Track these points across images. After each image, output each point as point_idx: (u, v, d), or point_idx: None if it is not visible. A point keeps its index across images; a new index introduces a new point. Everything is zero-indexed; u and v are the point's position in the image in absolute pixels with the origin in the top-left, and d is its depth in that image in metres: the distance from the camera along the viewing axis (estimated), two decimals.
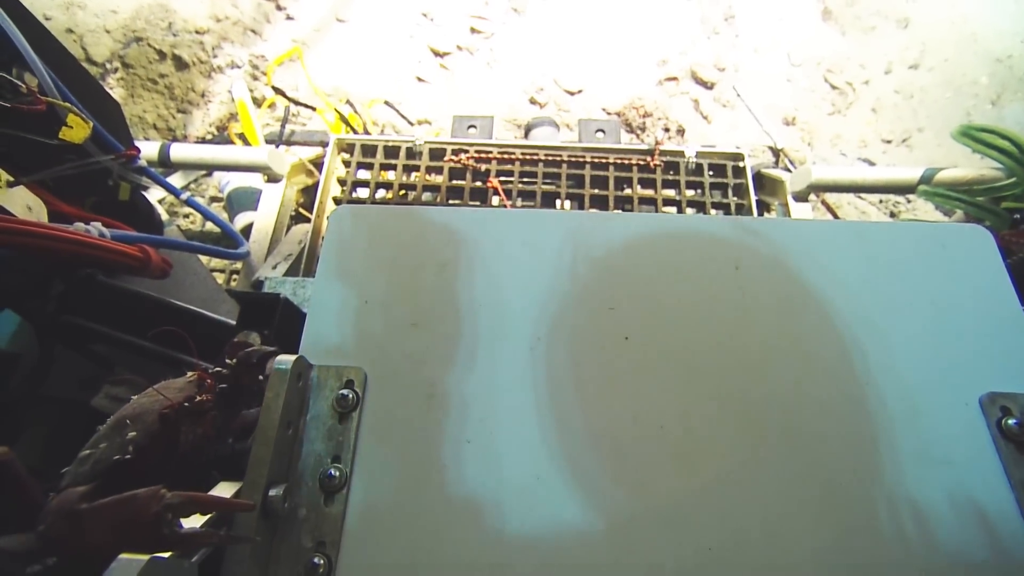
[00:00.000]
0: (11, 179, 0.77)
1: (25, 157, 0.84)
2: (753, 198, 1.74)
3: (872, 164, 2.48)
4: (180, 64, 2.51)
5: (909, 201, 2.34)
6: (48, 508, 0.45)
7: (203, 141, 2.35)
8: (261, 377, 0.63)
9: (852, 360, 0.57)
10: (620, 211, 1.73)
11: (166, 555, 0.38)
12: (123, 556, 0.34)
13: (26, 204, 0.80)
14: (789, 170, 1.98)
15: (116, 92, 2.40)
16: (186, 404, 0.59)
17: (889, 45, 2.77)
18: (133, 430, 0.58)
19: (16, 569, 0.42)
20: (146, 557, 0.34)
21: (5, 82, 0.72)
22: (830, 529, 0.50)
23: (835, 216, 2.16)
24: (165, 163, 1.74)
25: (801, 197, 1.79)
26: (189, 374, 0.64)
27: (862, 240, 0.64)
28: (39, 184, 0.87)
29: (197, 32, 2.60)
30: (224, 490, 0.50)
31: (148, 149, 1.72)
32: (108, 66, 2.51)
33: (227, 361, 0.64)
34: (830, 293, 0.61)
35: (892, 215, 2.33)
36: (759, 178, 1.91)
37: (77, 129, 0.82)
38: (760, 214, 1.79)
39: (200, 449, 0.60)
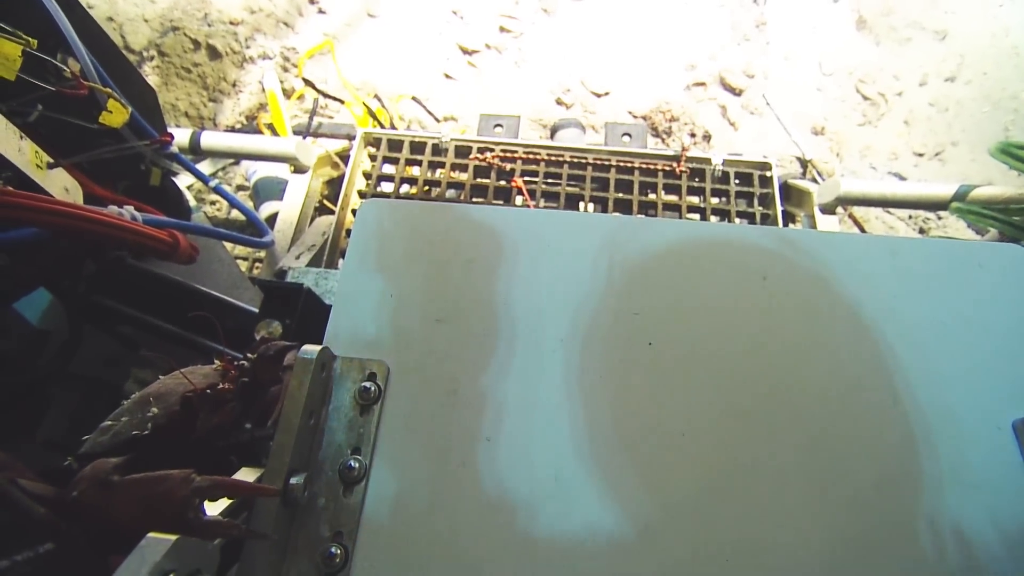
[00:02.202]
0: (51, 161, 0.79)
1: (64, 140, 0.86)
2: (779, 209, 1.72)
3: (903, 178, 2.43)
4: (214, 54, 2.55)
5: (940, 218, 2.29)
6: (82, 475, 0.46)
7: (233, 130, 2.38)
8: (282, 373, 0.64)
9: (880, 376, 0.56)
10: (643, 216, 1.72)
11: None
12: (152, 535, 0.34)
13: (64, 186, 0.82)
14: (817, 181, 1.96)
15: (151, 79, 2.44)
16: (208, 391, 0.60)
17: (925, 57, 2.72)
18: (155, 408, 0.59)
19: (36, 512, 0.43)
20: (174, 537, 0.34)
21: (51, 67, 0.74)
22: (853, 548, 0.49)
23: (862, 230, 2.12)
24: (195, 150, 1.77)
25: (828, 210, 1.77)
26: (216, 363, 0.65)
27: (895, 255, 0.62)
28: (76, 167, 0.90)
29: (231, 23, 2.64)
30: (246, 476, 0.51)
31: (180, 136, 1.75)
32: (145, 54, 2.56)
33: (248, 355, 0.66)
34: (860, 308, 0.60)
35: (921, 231, 2.29)
36: (786, 189, 1.89)
37: (116, 114, 0.84)
38: (785, 225, 1.77)
39: (214, 437, 0.61)
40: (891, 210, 2.30)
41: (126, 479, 0.43)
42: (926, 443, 0.53)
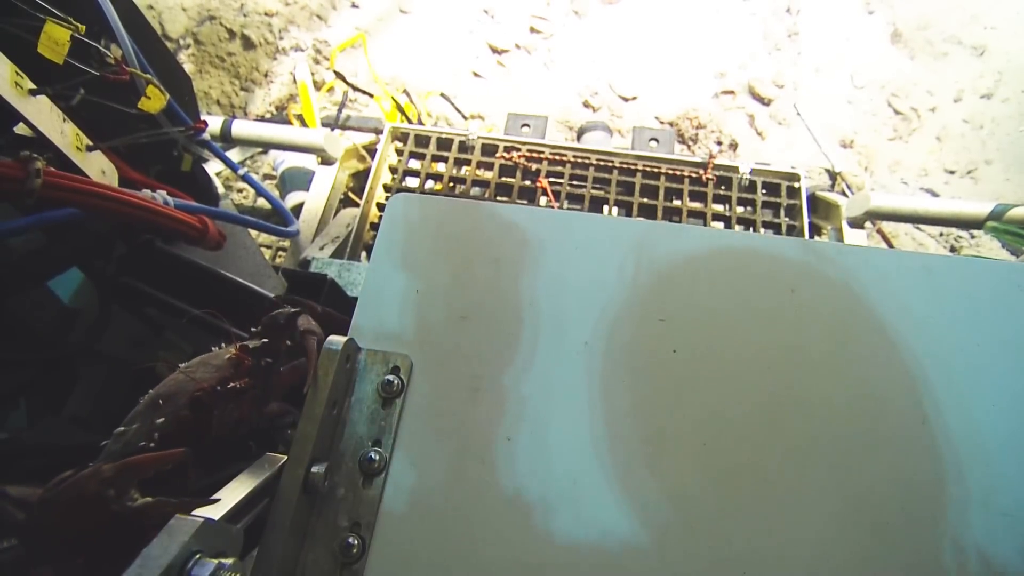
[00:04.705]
0: (90, 144, 0.80)
1: (102, 124, 0.88)
2: (806, 220, 1.70)
3: (934, 194, 2.39)
4: (248, 44, 2.59)
5: (972, 236, 2.24)
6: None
7: (263, 120, 2.41)
8: (289, 342, 0.62)
9: (909, 395, 0.55)
10: (670, 222, 1.71)
11: (216, 518, 0.39)
12: (179, 516, 0.35)
13: (101, 168, 0.84)
14: (846, 194, 1.93)
15: (186, 67, 2.49)
16: (219, 388, 0.57)
17: (961, 72, 2.66)
18: (162, 414, 0.56)
19: (16, 517, 0.42)
20: (201, 519, 0.35)
21: (95, 52, 0.76)
22: (873, 567, 0.48)
23: (890, 246, 2.09)
24: (226, 138, 1.80)
25: (857, 224, 1.74)
26: (230, 350, 0.63)
27: (929, 273, 0.61)
28: (112, 150, 0.91)
29: (266, 14, 2.68)
30: (270, 463, 0.51)
31: (211, 124, 1.78)
32: (181, 42, 2.60)
33: (253, 330, 0.63)
34: (891, 325, 0.59)
35: (952, 250, 2.24)
36: (813, 201, 1.86)
37: (154, 100, 0.86)
38: (811, 237, 1.75)
39: (235, 431, 0.59)
40: (921, 227, 2.26)
41: (44, 496, 0.42)
42: (954, 465, 0.52)
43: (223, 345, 0.66)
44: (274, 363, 0.62)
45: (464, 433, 0.55)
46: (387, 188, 1.83)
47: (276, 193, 2.09)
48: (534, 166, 1.77)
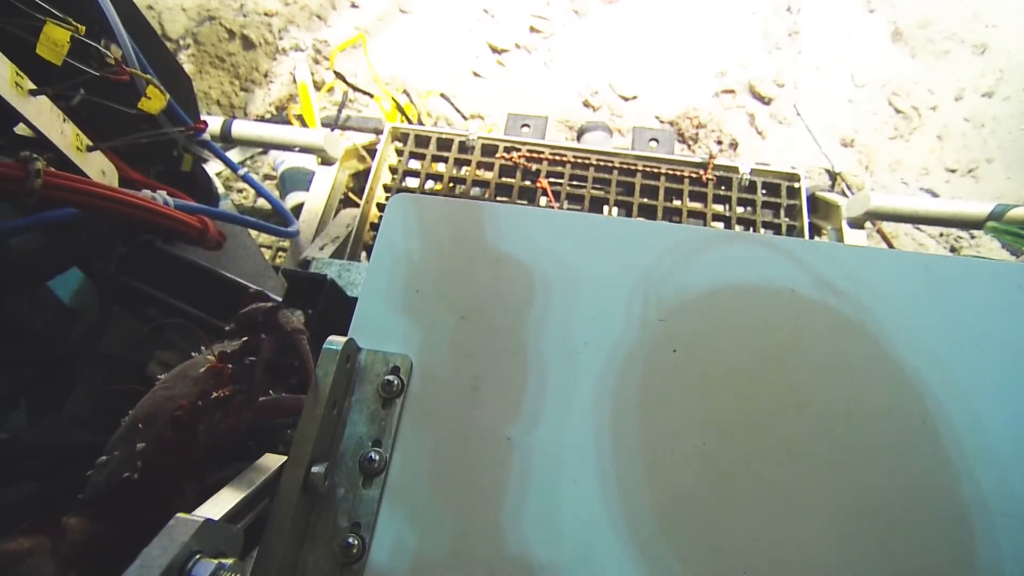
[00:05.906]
0: (90, 144, 0.80)
1: (102, 124, 0.88)
2: (806, 221, 1.70)
3: (934, 194, 2.39)
4: (247, 44, 2.59)
5: (973, 236, 2.24)
6: None
7: (262, 120, 2.41)
8: (264, 335, 0.62)
9: (908, 396, 0.55)
10: (669, 222, 1.71)
11: (217, 518, 0.39)
12: (180, 515, 0.35)
13: (101, 168, 0.84)
14: (846, 195, 1.93)
15: (186, 67, 2.49)
16: (199, 403, 0.56)
17: (962, 71, 2.66)
18: (143, 439, 0.54)
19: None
20: (201, 519, 0.35)
21: (95, 52, 0.76)
22: (878, 570, 0.48)
23: (891, 246, 2.09)
24: (226, 138, 1.80)
25: (857, 224, 1.74)
26: (208, 357, 0.61)
27: (929, 273, 0.61)
28: (112, 150, 0.91)
29: (266, 14, 2.68)
30: (268, 463, 0.51)
31: (211, 124, 1.78)
32: (181, 42, 2.60)
33: (227, 328, 0.63)
34: (890, 326, 0.59)
35: (953, 250, 2.24)
36: (813, 201, 1.86)
37: (154, 100, 0.86)
38: (812, 238, 1.75)
39: (226, 441, 0.58)
40: (921, 227, 2.26)
41: None
42: (955, 466, 0.52)
43: (203, 349, 0.64)
44: (257, 359, 0.62)
45: (464, 433, 0.55)
46: (387, 188, 1.83)
47: (276, 193, 2.09)
48: (534, 166, 1.77)
